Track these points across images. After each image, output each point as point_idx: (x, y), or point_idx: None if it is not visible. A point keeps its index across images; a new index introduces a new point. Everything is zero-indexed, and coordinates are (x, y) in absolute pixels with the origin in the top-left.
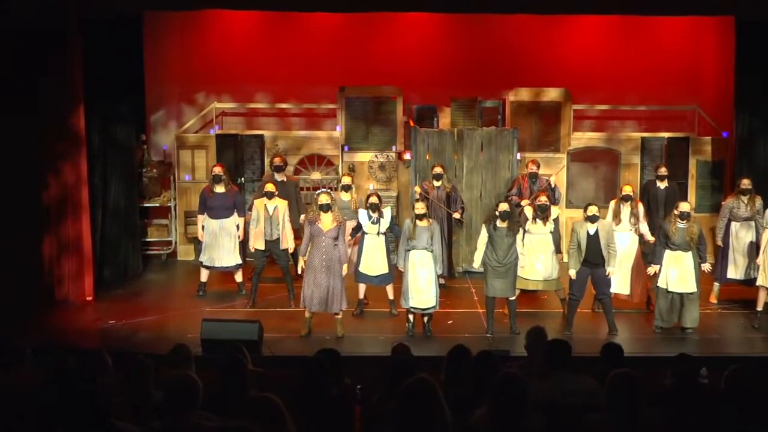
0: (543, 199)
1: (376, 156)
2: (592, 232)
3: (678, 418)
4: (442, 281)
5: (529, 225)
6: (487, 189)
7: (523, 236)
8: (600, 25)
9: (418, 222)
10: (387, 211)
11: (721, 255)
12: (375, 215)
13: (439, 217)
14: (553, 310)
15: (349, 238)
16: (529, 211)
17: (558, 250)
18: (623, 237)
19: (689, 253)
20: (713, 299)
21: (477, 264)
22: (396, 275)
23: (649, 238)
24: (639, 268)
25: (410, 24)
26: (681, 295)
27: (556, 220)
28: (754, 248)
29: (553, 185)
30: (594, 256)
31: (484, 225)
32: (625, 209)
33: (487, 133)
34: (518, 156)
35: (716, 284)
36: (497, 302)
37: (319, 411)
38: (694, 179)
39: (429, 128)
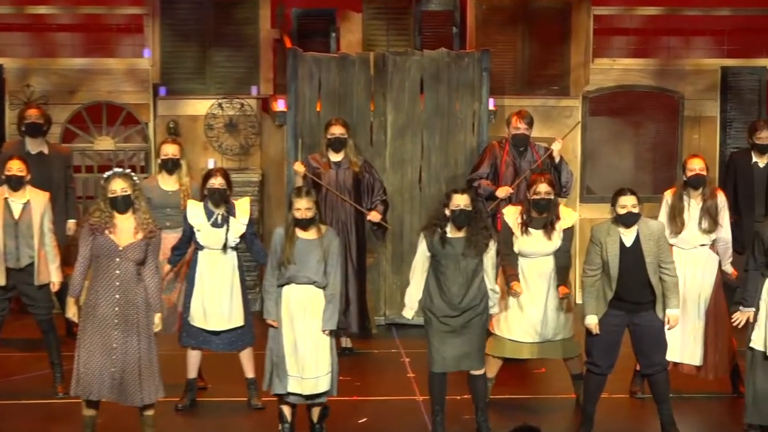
0: (544, 187)
1: (220, 105)
2: (629, 244)
3: None
4: (347, 344)
5: (516, 239)
6: (432, 167)
7: (501, 260)
8: None
9: (299, 231)
10: (242, 207)
11: None
12: (219, 212)
13: (340, 222)
14: (557, 396)
15: (168, 266)
16: (512, 214)
17: (561, 280)
18: (690, 256)
19: None
20: None
21: (410, 311)
22: (259, 332)
23: (728, 267)
24: (719, 314)
25: None
26: None
27: (568, 232)
28: None
29: (557, 159)
30: (633, 290)
31: (422, 236)
32: (694, 203)
33: (433, 61)
34: (492, 104)
35: None
36: (452, 381)
37: None
38: None
39: (321, 53)
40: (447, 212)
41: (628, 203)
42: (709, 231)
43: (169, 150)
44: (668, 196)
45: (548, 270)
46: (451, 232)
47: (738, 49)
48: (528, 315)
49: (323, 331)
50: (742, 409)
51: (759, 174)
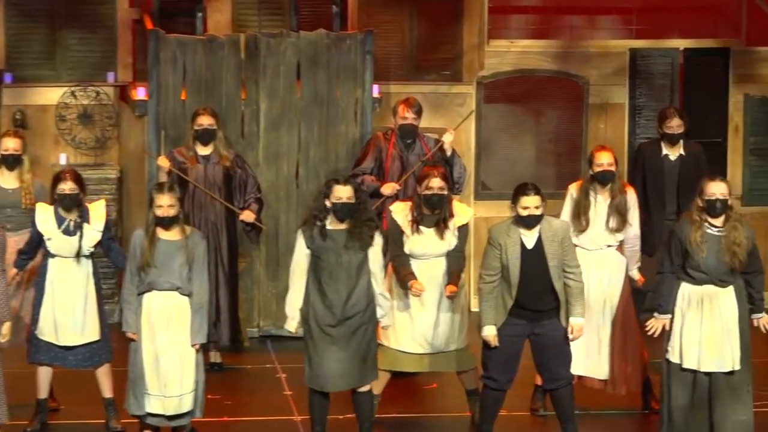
0: (437, 182)
1: (73, 94)
2: (530, 246)
3: None
4: (216, 358)
5: (406, 239)
6: (310, 161)
7: (389, 261)
8: None
9: (160, 231)
10: (97, 211)
11: None
12: (71, 218)
13: (209, 223)
14: (450, 414)
15: (15, 270)
16: (401, 210)
17: (453, 281)
18: (595, 258)
19: (729, 290)
20: None
21: (292, 323)
22: (119, 346)
23: (634, 273)
24: (627, 323)
25: None
26: (711, 377)
27: (463, 229)
28: None
29: (449, 152)
30: (535, 296)
31: (299, 232)
32: (601, 199)
33: (311, 44)
34: (376, 91)
35: None
36: (334, 399)
37: None
38: (740, 136)
39: (186, 34)
40: (327, 204)
41: (531, 204)
42: (617, 230)
43: (9, 144)
44: (573, 190)
45: (440, 273)
46: (331, 224)
47: (648, 30)
48: (418, 323)
49: (192, 345)
50: (654, 427)
51: (670, 167)
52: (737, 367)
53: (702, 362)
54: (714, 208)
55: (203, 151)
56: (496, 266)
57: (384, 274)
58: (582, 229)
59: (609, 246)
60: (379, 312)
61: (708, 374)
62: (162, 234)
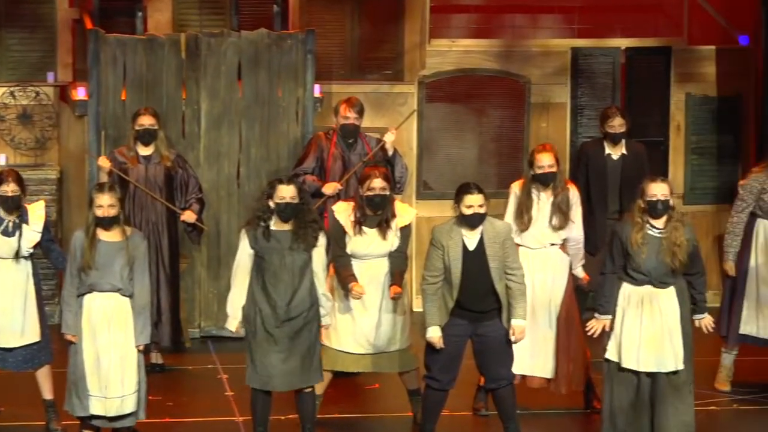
0: (378, 182)
1: (12, 94)
2: (472, 247)
3: None
4: (157, 359)
5: (348, 239)
6: (252, 161)
7: (332, 261)
8: None
9: (101, 232)
10: (36, 212)
11: (731, 290)
12: (11, 219)
13: (150, 223)
14: (392, 415)
15: None
16: (344, 210)
17: (396, 282)
18: (539, 257)
19: (670, 290)
20: (723, 383)
21: (233, 322)
22: (59, 348)
23: (579, 271)
24: (570, 322)
25: None
26: (654, 377)
27: (405, 230)
28: None
29: (390, 152)
30: (477, 298)
31: (243, 232)
32: (544, 197)
33: (252, 43)
34: (317, 91)
35: (726, 354)
36: (276, 399)
37: None
38: (681, 135)
39: (126, 34)
40: (271, 204)
41: (474, 203)
42: (560, 228)
43: None
44: (516, 188)
45: (382, 274)
46: (275, 225)
47: (589, 29)
48: (359, 324)
49: (137, 346)
50: (595, 426)
51: (612, 166)
52: (680, 367)
53: (641, 362)
54: (655, 209)
55: (144, 151)
56: (439, 267)
57: (326, 275)
58: (524, 227)
59: (552, 244)
60: (321, 312)
61: (650, 375)
62: (102, 235)
